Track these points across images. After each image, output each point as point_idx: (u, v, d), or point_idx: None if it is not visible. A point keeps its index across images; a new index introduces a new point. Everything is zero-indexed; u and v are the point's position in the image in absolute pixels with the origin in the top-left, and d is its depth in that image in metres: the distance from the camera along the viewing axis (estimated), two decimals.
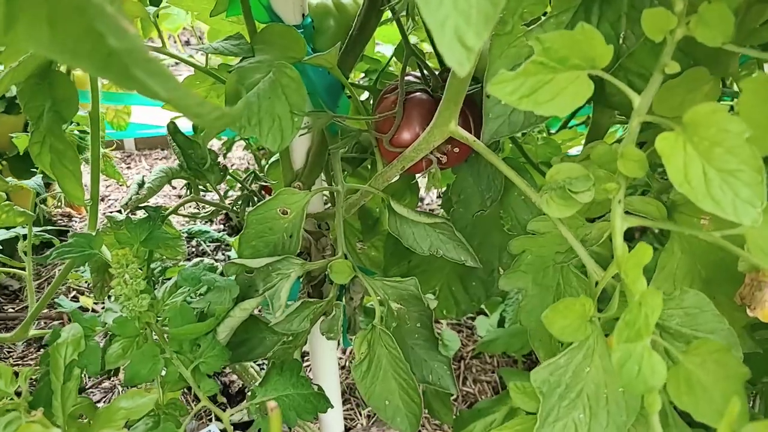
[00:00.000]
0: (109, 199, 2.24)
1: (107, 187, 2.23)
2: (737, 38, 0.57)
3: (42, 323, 1.53)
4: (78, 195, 0.78)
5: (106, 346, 0.72)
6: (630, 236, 0.56)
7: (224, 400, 1.33)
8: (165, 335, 0.71)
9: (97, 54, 0.31)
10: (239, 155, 2.77)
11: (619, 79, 0.68)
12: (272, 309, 0.68)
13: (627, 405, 0.49)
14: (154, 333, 0.71)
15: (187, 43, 4.36)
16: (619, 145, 0.47)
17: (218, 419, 1.33)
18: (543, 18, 0.58)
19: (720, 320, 0.50)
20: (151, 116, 2.18)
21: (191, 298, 0.74)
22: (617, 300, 0.50)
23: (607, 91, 0.67)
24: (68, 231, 1.86)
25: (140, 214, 0.89)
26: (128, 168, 2.67)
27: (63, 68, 0.74)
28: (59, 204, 1.95)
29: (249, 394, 0.78)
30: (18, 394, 0.63)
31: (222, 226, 2.00)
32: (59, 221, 2.00)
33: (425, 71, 0.80)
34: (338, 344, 1.18)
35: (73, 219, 2.06)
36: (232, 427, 0.68)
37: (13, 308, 1.64)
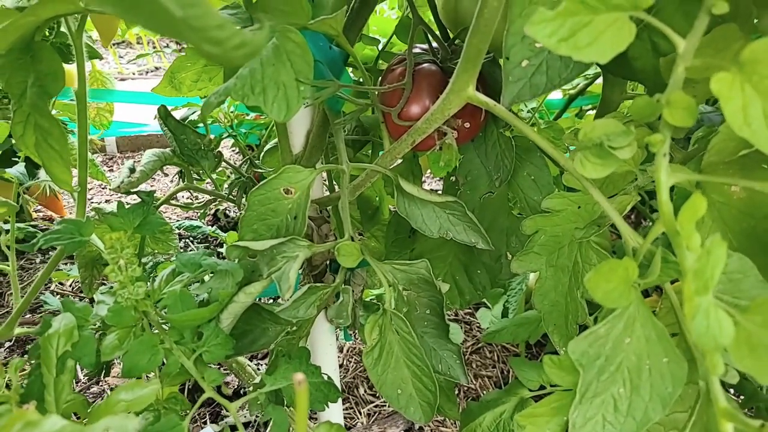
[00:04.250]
0: (92, 202, 2.18)
1: (89, 189, 2.17)
2: None
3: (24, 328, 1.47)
4: (65, 179, 0.73)
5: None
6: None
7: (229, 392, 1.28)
8: (164, 324, 0.66)
9: None
10: (227, 154, 2.73)
11: (642, 41, 0.65)
12: (280, 291, 0.63)
13: (672, 376, 0.46)
14: (151, 323, 0.67)
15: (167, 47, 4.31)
16: (662, 95, 0.44)
17: (213, 422, 1.29)
18: None
19: (764, 286, 0.48)
20: (133, 114, 2.12)
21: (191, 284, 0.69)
22: (658, 265, 0.46)
23: (629, 54, 0.64)
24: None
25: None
26: (110, 171, 2.60)
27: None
28: (39, 207, 1.88)
29: (250, 389, 0.74)
30: (7, 389, 0.58)
31: (210, 227, 1.95)
32: (39, 225, 1.94)
33: (433, 43, 0.76)
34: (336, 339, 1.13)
35: (54, 222, 2.00)
36: (240, 419, 0.64)
37: None
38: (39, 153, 0.71)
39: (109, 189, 2.31)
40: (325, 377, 0.69)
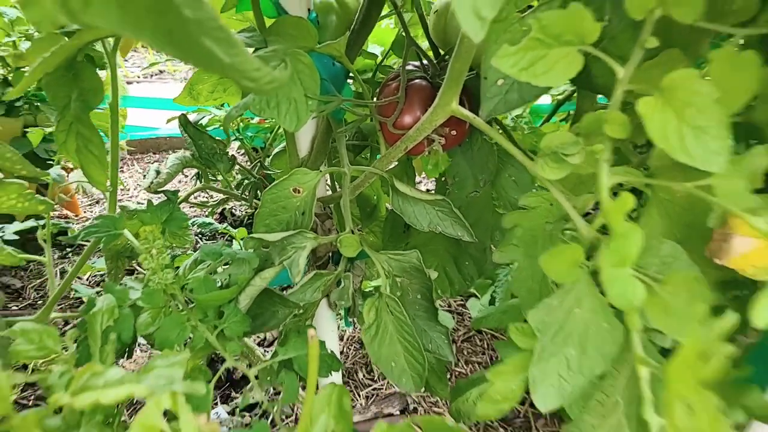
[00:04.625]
0: (105, 201, 2.28)
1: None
2: (711, 19, 0.64)
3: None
4: (102, 180, 0.83)
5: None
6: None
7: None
8: (190, 306, 0.76)
9: (156, 27, 0.37)
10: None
11: (603, 62, 0.76)
12: (291, 276, 0.74)
13: (612, 339, 0.56)
14: (178, 304, 0.77)
15: None
16: (605, 112, 0.54)
17: (224, 403, 1.39)
18: (535, 6, 0.66)
19: (692, 267, 0.57)
20: (144, 119, 2.23)
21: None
22: (603, 249, 0.57)
23: (593, 73, 0.74)
24: (66, 231, 1.90)
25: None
26: (121, 172, 2.70)
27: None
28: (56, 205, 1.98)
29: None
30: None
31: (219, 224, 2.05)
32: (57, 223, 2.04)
33: (424, 60, 0.87)
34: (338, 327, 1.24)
35: (69, 220, 2.10)
36: (256, 379, 0.74)
37: (17, 306, 1.68)
38: (79, 158, 0.81)
39: (143, 189, 2.42)
40: (329, 351, 0.79)
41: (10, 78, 1.53)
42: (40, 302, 1.66)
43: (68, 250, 1.90)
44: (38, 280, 1.77)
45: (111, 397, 0.48)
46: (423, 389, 1.30)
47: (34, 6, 0.35)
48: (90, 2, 0.35)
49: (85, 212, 2.17)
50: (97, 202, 2.28)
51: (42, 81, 0.80)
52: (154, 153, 2.83)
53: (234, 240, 1.63)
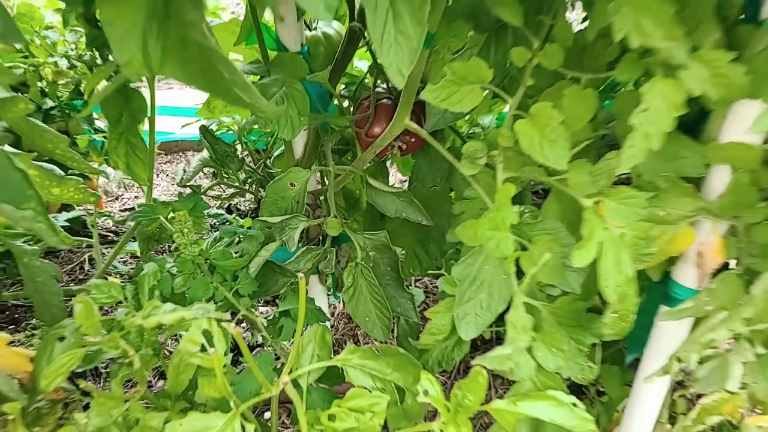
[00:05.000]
0: (123, 198, 2.54)
1: (118, 188, 2.53)
2: (587, 62, 0.88)
3: None
4: (143, 177, 1.08)
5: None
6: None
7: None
8: (212, 273, 1.01)
9: (206, 81, 0.62)
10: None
11: (514, 89, 1.01)
12: (288, 247, 0.99)
13: (508, 286, 0.81)
14: (203, 271, 1.02)
15: None
16: (500, 128, 0.79)
17: (234, 365, 1.64)
18: (462, 51, 0.90)
19: (570, 238, 0.82)
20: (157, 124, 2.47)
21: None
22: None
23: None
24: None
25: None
26: None
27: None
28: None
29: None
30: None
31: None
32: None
33: (390, 84, 1.12)
34: (329, 306, 1.48)
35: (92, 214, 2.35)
36: (263, 325, 0.99)
37: None
38: (127, 159, 1.06)
39: (176, 183, 2.68)
40: (318, 307, 1.04)
41: (47, 90, 1.77)
42: (72, 284, 1.91)
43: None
44: (69, 266, 2.01)
45: (170, 319, 0.73)
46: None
47: (130, 66, 0.60)
48: (163, 65, 0.60)
49: (107, 207, 2.42)
50: (117, 198, 2.53)
51: (101, 101, 1.05)
52: (166, 155, 3.08)
53: (242, 227, 1.89)
